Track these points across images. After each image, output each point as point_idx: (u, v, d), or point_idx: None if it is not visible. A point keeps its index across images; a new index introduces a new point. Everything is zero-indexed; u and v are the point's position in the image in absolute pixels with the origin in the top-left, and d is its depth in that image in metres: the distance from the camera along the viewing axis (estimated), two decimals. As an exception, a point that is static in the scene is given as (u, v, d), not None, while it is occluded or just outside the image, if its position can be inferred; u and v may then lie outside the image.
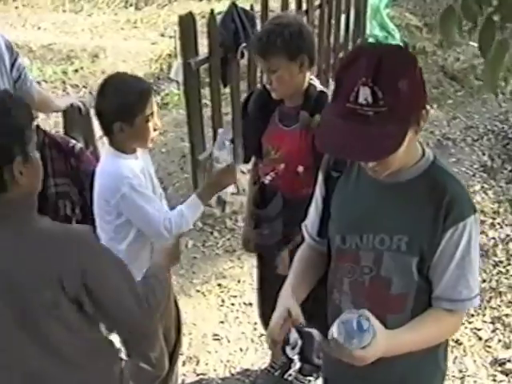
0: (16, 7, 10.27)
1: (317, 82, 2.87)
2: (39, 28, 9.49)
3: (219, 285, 4.39)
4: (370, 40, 7.90)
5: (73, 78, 7.59)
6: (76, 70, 7.80)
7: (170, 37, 8.50)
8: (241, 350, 3.83)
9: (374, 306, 1.88)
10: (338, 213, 2.05)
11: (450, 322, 1.95)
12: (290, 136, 2.82)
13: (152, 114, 2.62)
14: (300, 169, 2.84)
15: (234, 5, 5.02)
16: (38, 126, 3.29)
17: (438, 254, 1.85)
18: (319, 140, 1.78)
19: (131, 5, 10.35)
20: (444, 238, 1.83)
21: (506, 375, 3.65)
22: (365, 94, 1.64)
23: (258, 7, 5.48)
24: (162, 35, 8.93)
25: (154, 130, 2.65)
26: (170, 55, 7.84)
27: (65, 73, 7.76)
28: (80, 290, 1.86)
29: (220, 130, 2.88)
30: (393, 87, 1.65)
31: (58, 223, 1.94)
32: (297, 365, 3.54)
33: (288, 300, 1.96)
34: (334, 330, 1.74)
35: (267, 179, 2.92)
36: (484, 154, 6.37)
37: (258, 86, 5.41)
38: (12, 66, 3.23)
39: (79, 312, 1.91)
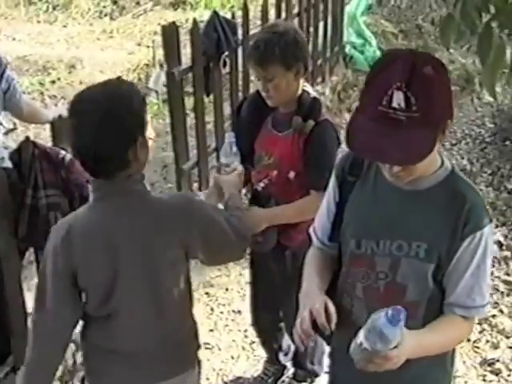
0: (-11, 18, 10.22)
1: (310, 89, 2.91)
2: (14, 39, 9.44)
3: (207, 293, 4.39)
4: (348, 47, 7.97)
5: (50, 89, 7.56)
6: (53, 81, 7.78)
7: (147, 46, 8.51)
8: (232, 357, 3.85)
9: None
10: (354, 217, 2.05)
11: (465, 327, 1.98)
12: (283, 141, 2.85)
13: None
14: (291, 174, 2.86)
15: (215, 14, 5.05)
16: (27, 138, 3.29)
17: (454, 261, 1.88)
18: (353, 143, 1.80)
19: (106, 15, 10.32)
20: (462, 246, 1.86)
21: (496, 375, 3.71)
22: (398, 99, 1.67)
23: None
24: (139, 45, 8.92)
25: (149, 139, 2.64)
26: (147, 65, 7.85)
27: (42, 84, 7.72)
28: (198, 245, 2.21)
29: (227, 135, 2.88)
30: (426, 93, 1.69)
31: (162, 195, 2.39)
32: (290, 371, 3.57)
33: (321, 296, 1.99)
34: (361, 337, 1.72)
35: (260, 186, 2.93)
36: (463, 158, 6.45)
37: (240, 94, 5.45)
38: (1, 77, 3.23)
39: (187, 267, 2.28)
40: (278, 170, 2.87)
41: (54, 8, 10.52)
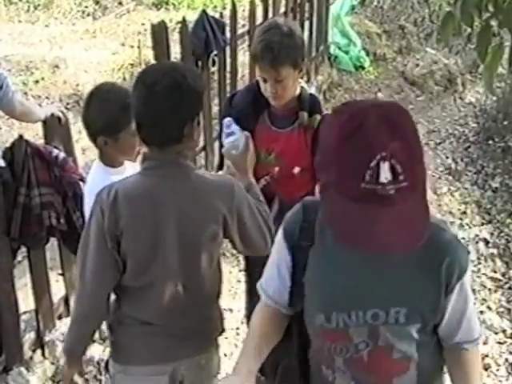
0: (-30, 18, 10.13)
1: (304, 85, 2.95)
2: None
3: (197, 292, 4.40)
4: (332, 47, 8.01)
5: (34, 89, 7.51)
6: (37, 81, 7.71)
7: (132, 46, 8.49)
8: (225, 355, 3.85)
9: (378, 375, 1.80)
10: (317, 289, 1.79)
11: (476, 355, 1.89)
12: (286, 138, 2.87)
13: None
14: (296, 170, 2.89)
15: (204, 13, 5.06)
16: (20, 136, 3.30)
17: (449, 312, 1.75)
18: (341, 233, 1.52)
19: (88, 15, 10.26)
20: (451, 297, 1.72)
21: (486, 369, 3.78)
22: (386, 172, 1.42)
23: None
24: (123, 45, 8.87)
25: None
26: (132, 64, 7.82)
27: (25, 84, 7.66)
28: (234, 227, 2.29)
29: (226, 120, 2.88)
30: (409, 157, 1.46)
31: (209, 173, 2.48)
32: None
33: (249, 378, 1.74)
34: None
35: (261, 183, 2.96)
36: (448, 158, 6.54)
37: (228, 94, 5.47)
38: (-7, 76, 3.22)
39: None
40: (279, 166, 2.90)
41: (35, 8, 10.44)
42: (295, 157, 2.88)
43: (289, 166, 2.88)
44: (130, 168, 2.67)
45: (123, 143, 2.55)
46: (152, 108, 2.14)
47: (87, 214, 2.39)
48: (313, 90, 3.01)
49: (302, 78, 2.93)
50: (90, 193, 2.65)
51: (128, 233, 2.20)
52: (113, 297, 2.36)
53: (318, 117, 2.84)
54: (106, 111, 2.51)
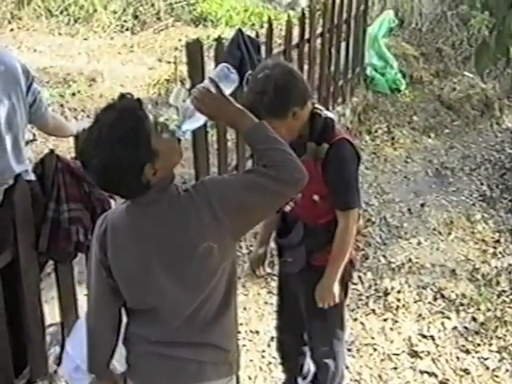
0: (11, 30, 10.25)
1: (321, 108, 2.88)
2: (35, 51, 9.48)
3: (224, 312, 4.37)
4: (369, 69, 7.97)
5: (71, 102, 7.57)
6: (73, 94, 7.79)
7: (168, 62, 8.54)
8: (249, 378, 3.82)
9: None
10: None
11: None
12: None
13: None
14: (316, 197, 2.87)
15: (239, 32, 5.05)
16: (51, 151, 3.30)
17: None
18: None
19: (127, 29, 10.36)
20: None
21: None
22: None
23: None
24: (160, 60, 8.94)
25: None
26: (168, 80, 7.86)
27: (62, 96, 7.74)
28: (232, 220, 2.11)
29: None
30: None
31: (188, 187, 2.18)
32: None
33: None
34: None
35: (287, 208, 2.94)
36: (482, 184, 6.43)
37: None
38: (28, 90, 3.23)
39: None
40: (302, 192, 2.86)
41: (75, 21, 10.57)
42: (312, 185, 2.82)
43: (308, 193, 2.84)
44: None
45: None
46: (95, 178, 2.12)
47: None
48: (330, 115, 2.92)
49: (325, 102, 2.88)
50: None
51: (115, 264, 2.22)
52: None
53: (326, 146, 2.77)
54: None
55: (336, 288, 2.97)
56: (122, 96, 2.12)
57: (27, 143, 3.83)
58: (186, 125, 2.24)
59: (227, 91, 2.24)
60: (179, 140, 2.19)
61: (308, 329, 3.26)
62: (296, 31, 5.97)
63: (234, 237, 2.23)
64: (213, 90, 2.18)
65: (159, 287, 2.19)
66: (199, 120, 2.28)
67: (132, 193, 2.13)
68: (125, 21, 10.50)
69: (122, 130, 2.01)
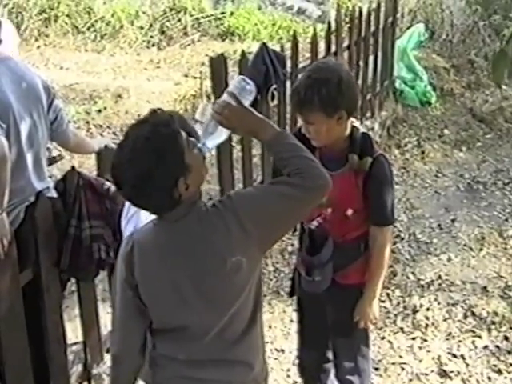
0: (38, 47, 10.43)
1: (357, 124, 2.92)
2: (61, 68, 9.62)
3: (249, 330, 4.37)
4: (398, 81, 7.96)
5: (96, 118, 7.67)
6: (99, 110, 7.88)
7: (194, 77, 8.60)
8: (274, 398, 3.82)
9: None
10: None
11: None
12: (338, 180, 2.83)
13: None
14: (349, 212, 2.87)
15: (264, 45, 5.08)
16: (73, 168, 3.35)
17: None
18: None
19: (153, 45, 10.48)
20: None
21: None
22: None
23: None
24: (186, 76, 9.02)
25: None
26: (194, 96, 7.92)
27: (88, 113, 7.84)
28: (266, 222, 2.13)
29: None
30: None
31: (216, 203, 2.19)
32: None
33: None
34: None
35: (313, 225, 2.93)
36: (516, 198, 6.38)
37: (288, 128, 5.46)
38: (49, 107, 3.28)
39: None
40: (332, 207, 2.86)
41: (101, 37, 10.72)
42: (348, 199, 2.85)
43: (341, 208, 2.86)
44: None
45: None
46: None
47: None
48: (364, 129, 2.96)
49: (354, 116, 2.89)
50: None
51: (142, 284, 2.23)
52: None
53: (369, 159, 2.80)
54: None
55: (376, 305, 2.99)
56: (154, 111, 2.14)
57: (55, 161, 3.89)
58: (209, 140, 2.25)
59: (246, 102, 2.25)
60: (204, 156, 2.22)
61: (333, 347, 3.26)
62: (322, 44, 5.99)
63: (262, 249, 2.24)
64: (233, 102, 2.20)
65: (188, 304, 2.20)
66: (222, 135, 2.29)
67: (163, 207, 2.13)
68: (151, 36, 10.63)
69: (158, 143, 2.03)
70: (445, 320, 4.49)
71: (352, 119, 2.87)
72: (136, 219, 2.84)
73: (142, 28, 10.66)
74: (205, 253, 2.15)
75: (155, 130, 2.05)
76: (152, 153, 2.01)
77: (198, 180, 2.16)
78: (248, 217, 2.12)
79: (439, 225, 5.80)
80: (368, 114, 7.17)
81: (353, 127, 2.85)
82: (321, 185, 2.15)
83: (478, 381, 3.95)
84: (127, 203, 2.77)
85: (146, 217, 2.43)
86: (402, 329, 4.42)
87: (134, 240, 2.25)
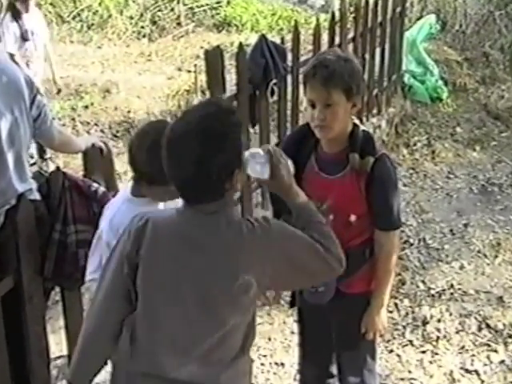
0: (19, 38, 10.42)
1: (357, 121, 2.91)
2: (45, 60, 9.60)
3: (247, 343, 4.37)
4: (407, 76, 7.96)
5: (83, 115, 7.67)
6: (86, 106, 7.89)
7: (188, 71, 8.60)
8: (274, 415, 3.82)
9: None
10: None
11: None
12: (338, 185, 2.84)
13: None
14: (352, 218, 2.86)
15: (263, 37, 5.08)
16: (57, 168, 3.35)
17: None
18: None
19: (144, 36, 10.49)
20: None
21: None
22: None
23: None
24: (179, 69, 9.02)
25: None
26: (188, 91, 7.93)
27: (74, 109, 7.84)
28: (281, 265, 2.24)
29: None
30: None
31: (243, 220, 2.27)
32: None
33: None
34: None
35: None
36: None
37: (288, 125, 5.47)
38: (32, 103, 3.27)
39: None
40: (334, 214, 2.85)
41: (88, 27, 10.72)
42: (350, 205, 2.84)
43: (344, 214, 2.85)
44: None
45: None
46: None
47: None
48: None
49: (359, 113, 2.90)
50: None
51: (144, 265, 2.24)
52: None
53: (371, 159, 2.78)
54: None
55: (384, 314, 3.00)
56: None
57: (45, 160, 3.89)
58: (249, 166, 2.33)
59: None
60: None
61: (338, 360, 3.25)
62: (325, 36, 6.00)
63: (269, 285, 2.34)
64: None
65: (183, 303, 2.21)
66: (263, 173, 2.39)
67: (205, 195, 2.17)
68: (142, 27, 10.63)
69: (227, 127, 2.15)
70: (457, 332, 4.49)
71: (353, 116, 2.88)
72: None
73: (131, 18, 10.67)
74: (220, 258, 2.20)
75: (224, 114, 2.18)
76: (220, 135, 2.12)
77: (241, 182, 2.27)
78: (277, 249, 2.23)
79: (451, 230, 5.81)
80: (375, 111, 7.17)
81: (354, 125, 2.85)
82: (339, 254, 2.35)
83: (493, 398, 3.96)
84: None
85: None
86: (411, 341, 4.42)
87: (150, 218, 2.27)
